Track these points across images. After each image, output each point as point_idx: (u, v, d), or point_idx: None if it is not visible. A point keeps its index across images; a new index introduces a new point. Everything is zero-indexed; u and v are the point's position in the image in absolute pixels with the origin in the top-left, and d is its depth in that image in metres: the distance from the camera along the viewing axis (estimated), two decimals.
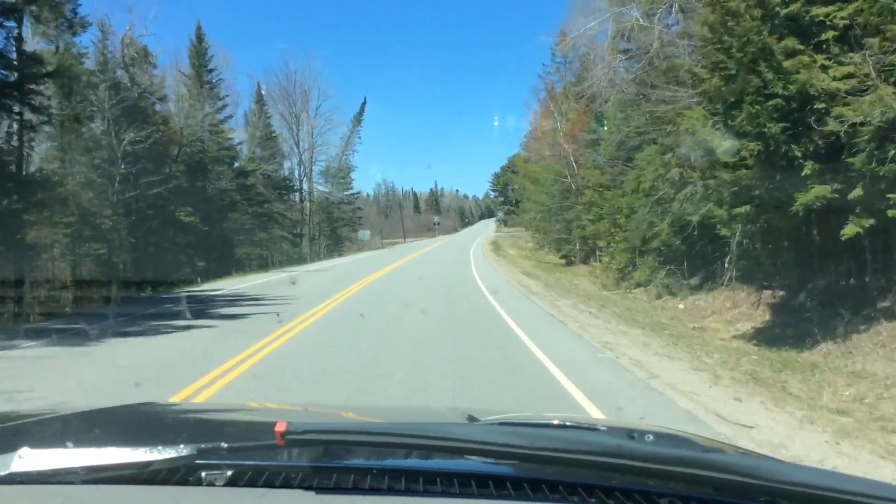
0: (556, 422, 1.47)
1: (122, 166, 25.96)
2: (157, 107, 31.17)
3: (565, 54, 38.39)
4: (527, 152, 51.27)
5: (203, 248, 30.39)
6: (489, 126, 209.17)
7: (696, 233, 18.21)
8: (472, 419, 1.46)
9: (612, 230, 22.41)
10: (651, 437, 1.25)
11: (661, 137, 19.12)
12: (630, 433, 1.27)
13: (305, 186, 47.80)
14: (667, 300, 18.91)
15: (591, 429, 1.44)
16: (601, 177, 27.28)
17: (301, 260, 41.41)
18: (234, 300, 14.84)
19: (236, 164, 35.17)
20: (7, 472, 1.12)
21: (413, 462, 1.21)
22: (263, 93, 40.72)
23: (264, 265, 37.33)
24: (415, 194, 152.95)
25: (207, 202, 30.48)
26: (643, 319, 13.82)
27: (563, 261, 37.12)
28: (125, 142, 25.53)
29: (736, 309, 14.65)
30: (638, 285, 21.02)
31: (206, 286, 19.45)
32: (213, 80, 33.04)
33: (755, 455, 1.63)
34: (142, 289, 22.01)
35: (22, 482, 1.12)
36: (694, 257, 19.96)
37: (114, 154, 26.06)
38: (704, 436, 2.11)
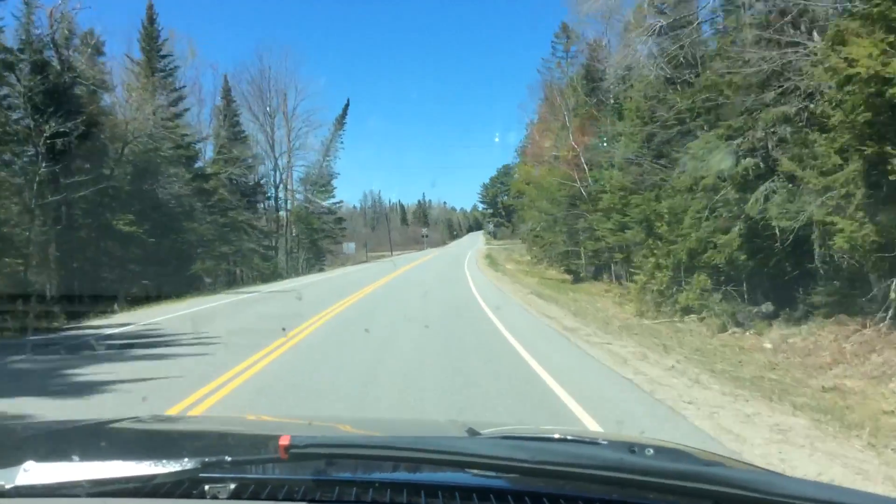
0: (556, 435, 1.44)
1: (44, 164, 20.81)
2: (105, 97, 26.20)
3: (573, 40, 33.92)
4: (523, 158, 46.55)
5: (153, 263, 25.20)
6: (478, 137, 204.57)
7: (777, 244, 13.42)
8: (472, 432, 1.40)
9: (650, 241, 17.55)
10: (651, 450, 1.22)
11: (729, 117, 14.33)
12: (631, 447, 1.25)
13: (282, 194, 42.98)
14: (736, 334, 14.04)
15: (592, 442, 1.41)
16: (623, 178, 22.53)
17: (276, 276, 36.41)
18: (132, 344, 9.81)
19: (199, 165, 30.08)
20: (12, 485, 1.10)
21: (415, 475, 1.19)
22: (231, 86, 35.80)
23: (232, 282, 32.17)
24: (402, 206, 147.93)
25: (157, 209, 25.33)
26: (740, 371, 9.04)
27: (568, 276, 32.48)
28: (46, 134, 20.39)
29: (875, 355, 9.81)
30: (686, 311, 16.16)
31: (121, 316, 14.33)
32: (167, 68, 28.03)
33: (755, 469, 1.57)
34: (55, 316, 16.92)
35: (27, 495, 1.11)
36: (762, 276, 15.14)
37: (35, 148, 20.96)
38: (705, 449, 1.76)
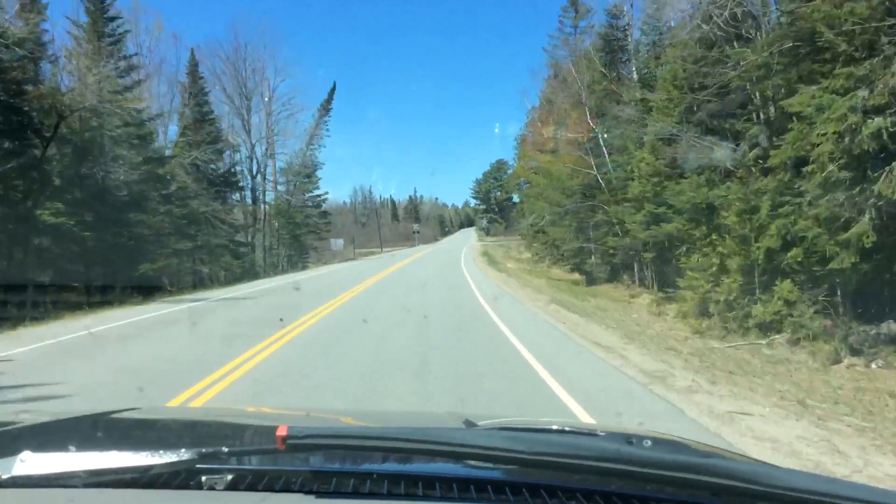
0: (554, 427, 1.43)
1: None
2: (45, 67, 21.83)
3: (583, 14, 29.78)
4: (524, 146, 42.45)
5: (94, 262, 20.79)
6: (472, 133, 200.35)
7: None
8: (470, 424, 1.41)
9: (714, 236, 13.37)
10: (649, 442, 1.22)
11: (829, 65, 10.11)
12: (628, 438, 1.25)
13: (260, 185, 38.82)
14: (857, 367, 9.85)
15: (590, 434, 1.41)
16: (655, 161, 18.47)
17: (252, 274, 32.23)
18: None
19: (157, 146, 25.64)
20: (9, 475, 1.10)
21: (412, 467, 1.19)
22: (199, 61, 31.33)
23: (199, 283, 27.77)
24: (393, 202, 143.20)
25: (99, 197, 20.89)
26: None
27: (579, 276, 28.66)
28: None
29: None
30: (763, 329, 12.02)
31: None
32: (115, 32, 23.50)
33: (752, 460, 1.53)
34: None
35: (24, 485, 1.10)
36: (878, 284, 10.99)
37: None
38: (702, 441, 1.70)
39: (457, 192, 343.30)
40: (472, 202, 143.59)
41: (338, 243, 58.96)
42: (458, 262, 34.34)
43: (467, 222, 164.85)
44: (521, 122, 52.46)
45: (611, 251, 23.16)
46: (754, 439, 4.61)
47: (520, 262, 39.83)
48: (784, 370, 9.42)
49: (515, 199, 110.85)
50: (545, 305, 14.31)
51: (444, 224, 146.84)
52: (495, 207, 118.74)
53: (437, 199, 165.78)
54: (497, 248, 58.16)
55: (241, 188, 37.04)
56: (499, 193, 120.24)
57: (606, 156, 23.45)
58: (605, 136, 23.61)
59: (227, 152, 35.31)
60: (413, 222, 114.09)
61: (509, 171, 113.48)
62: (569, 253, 30.86)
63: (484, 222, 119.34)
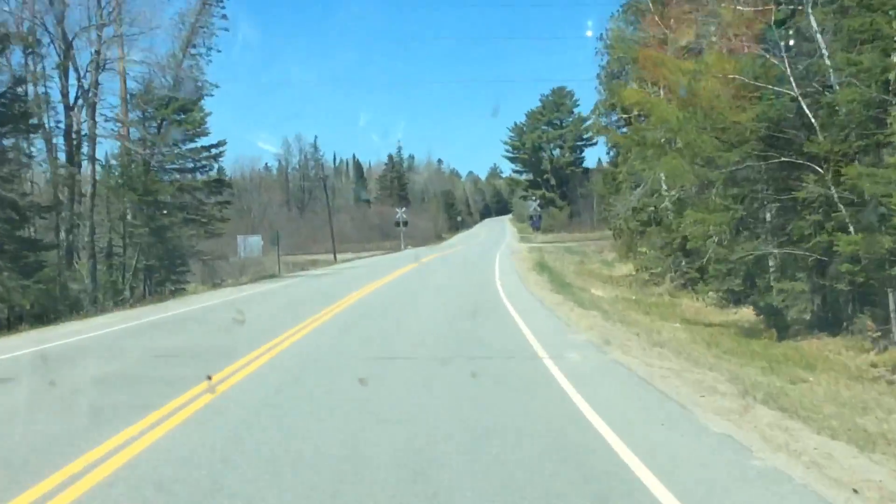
0: None
1: None
2: None
3: None
4: (622, 51, 40.03)
5: None
6: (498, 62, 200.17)
7: None
8: None
9: None
10: None
11: None
12: None
13: (85, 125, 36.83)
14: None
15: None
16: None
17: (73, 306, 30.79)
18: None
19: None
20: None
21: None
22: None
23: None
24: (359, 165, 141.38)
25: None
26: None
27: (750, 316, 28.38)
28: None
29: None
30: None
31: None
32: None
33: None
34: None
35: None
36: None
37: None
38: None
39: (475, 158, 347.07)
40: (507, 169, 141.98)
41: (251, 244, 61.27)
42: (492, 290, 31.48)
43: (496, 206, 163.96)
44: (616, 4, 50.42)
45: (836, 266, 20.84)
46: None
47: (613, 283, 39.96)
48: None
49: (590, 161, 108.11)
50: (740, 410, 10.45)
51: (455, 208, 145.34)
52: (550, 179, 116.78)
53: (439, 161, 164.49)
54: (561, 254, 58.36)
55: (44, 129, 35.67)
56: (557, 152, 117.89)
57: (824, 53, 20.71)
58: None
59: (14, 55, 34.22)
60: (396, 205, 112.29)
61: (577, 110, 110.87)
62: (720, 269, 30.10)
63: (532, 206, 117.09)
